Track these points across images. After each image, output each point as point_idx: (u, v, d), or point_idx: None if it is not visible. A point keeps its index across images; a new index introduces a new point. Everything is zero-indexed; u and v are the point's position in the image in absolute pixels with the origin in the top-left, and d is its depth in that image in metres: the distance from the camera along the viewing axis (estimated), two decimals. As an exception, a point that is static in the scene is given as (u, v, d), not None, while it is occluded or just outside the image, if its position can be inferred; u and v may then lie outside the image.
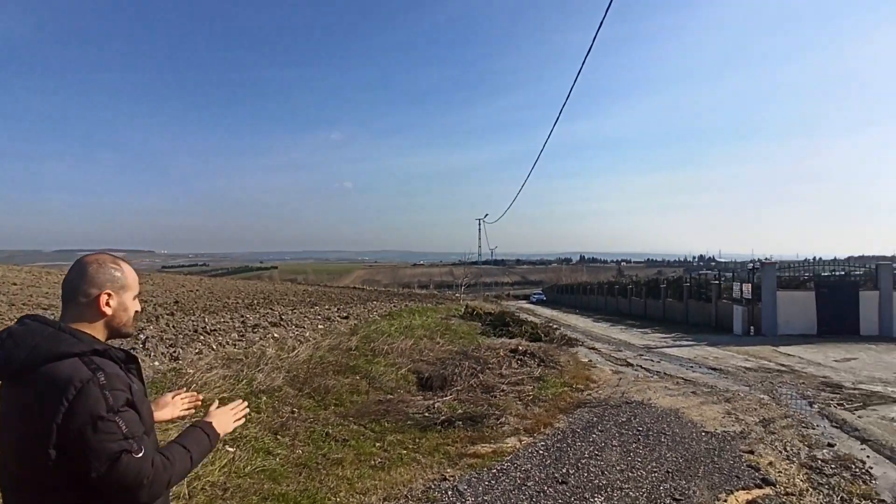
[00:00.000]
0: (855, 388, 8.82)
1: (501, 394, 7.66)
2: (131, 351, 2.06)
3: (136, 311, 1.56)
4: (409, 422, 6.21)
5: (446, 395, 7.30)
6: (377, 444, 5.53)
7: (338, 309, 17.44)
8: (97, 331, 1.47)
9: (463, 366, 8.63)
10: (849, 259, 28.59)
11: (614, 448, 5.68)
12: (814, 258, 29.66)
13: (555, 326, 16.78)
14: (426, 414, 6.43)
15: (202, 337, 9.49)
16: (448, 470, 5.00)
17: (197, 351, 8.20)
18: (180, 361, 7.29)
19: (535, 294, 63.49)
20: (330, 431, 5.73)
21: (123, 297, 1.51)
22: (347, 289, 39.19)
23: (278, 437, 5.35)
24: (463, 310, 20.95)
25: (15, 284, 20.13)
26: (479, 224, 68.76)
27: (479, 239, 71.98)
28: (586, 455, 5.44)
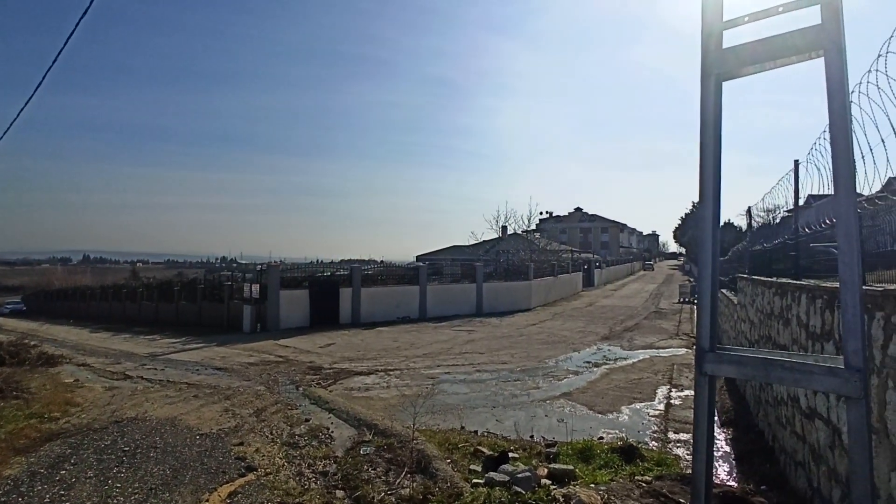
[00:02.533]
0: (331, 368, 10.74)
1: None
2: None
3: None
4: None
5: None
6: None
7: None
8: None
9: None
10: (342, 261, 34.95)
11: (89, 480, 4.87)
12: (317, 260, 34.98)
13: (32, 343, 13.40)
14: None
15: None
16: None
17: None
18: None
19: (9, 303, 49.51)
20: None
21: None
22: None
23: None
24: None
25: None
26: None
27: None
28: (46, 500, 4.44)
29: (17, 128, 10.50)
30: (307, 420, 6.88)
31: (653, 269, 70.95)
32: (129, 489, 4.67)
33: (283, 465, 5.31)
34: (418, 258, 43.62)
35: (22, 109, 10.08)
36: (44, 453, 5.66)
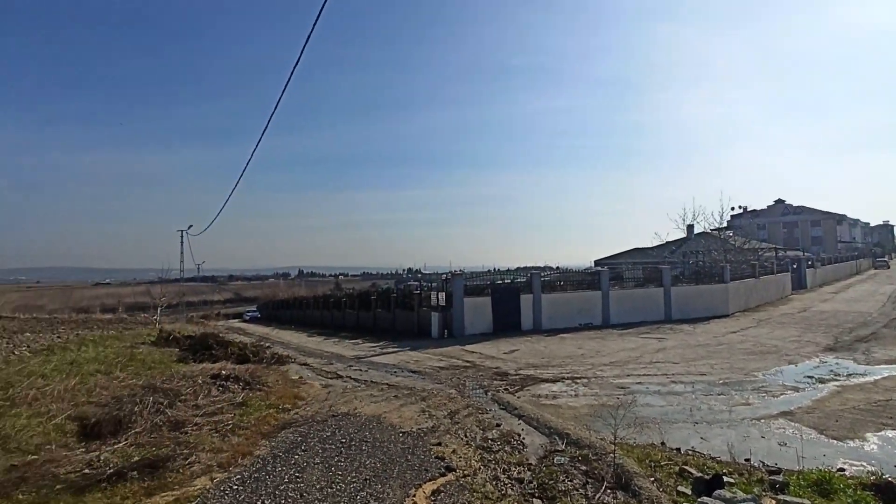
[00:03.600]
0: (516, 374, 10.81)
1: (195, 428, 6.77)
2: None
3: None
4: (58, 486, 4.89)
5: (119, 442, 6.06)
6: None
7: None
8: None
9: (146, 402, 7.34)
10: (517, 269, 35.25)
11: (316, 466, 5.56)
12: (494, 268, 35.88)
13: (266, 345, 16.01)
14: (87, 470, 5.18)
15: None
16: (111, 536, 4.08)
17: None
18: None
19: (248, 311, 60.03)
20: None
21: None
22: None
23: None
24: (157, 335, 18.14)
25: None
26: (182, 236, 61.17)
27: (182, 253, 63.83)
28: (286, 480, 5.18)
29: (250, 167, 12.68)
30: (498, 425, 6.98)
31: (888, 267, 57.88)
32: (348, 477, 5.22)
33: (479, 468, 5.44)
34: (597, 262, 41.95)
35: (254, 150, 12.18)
36: (281, 439, 6.64)
